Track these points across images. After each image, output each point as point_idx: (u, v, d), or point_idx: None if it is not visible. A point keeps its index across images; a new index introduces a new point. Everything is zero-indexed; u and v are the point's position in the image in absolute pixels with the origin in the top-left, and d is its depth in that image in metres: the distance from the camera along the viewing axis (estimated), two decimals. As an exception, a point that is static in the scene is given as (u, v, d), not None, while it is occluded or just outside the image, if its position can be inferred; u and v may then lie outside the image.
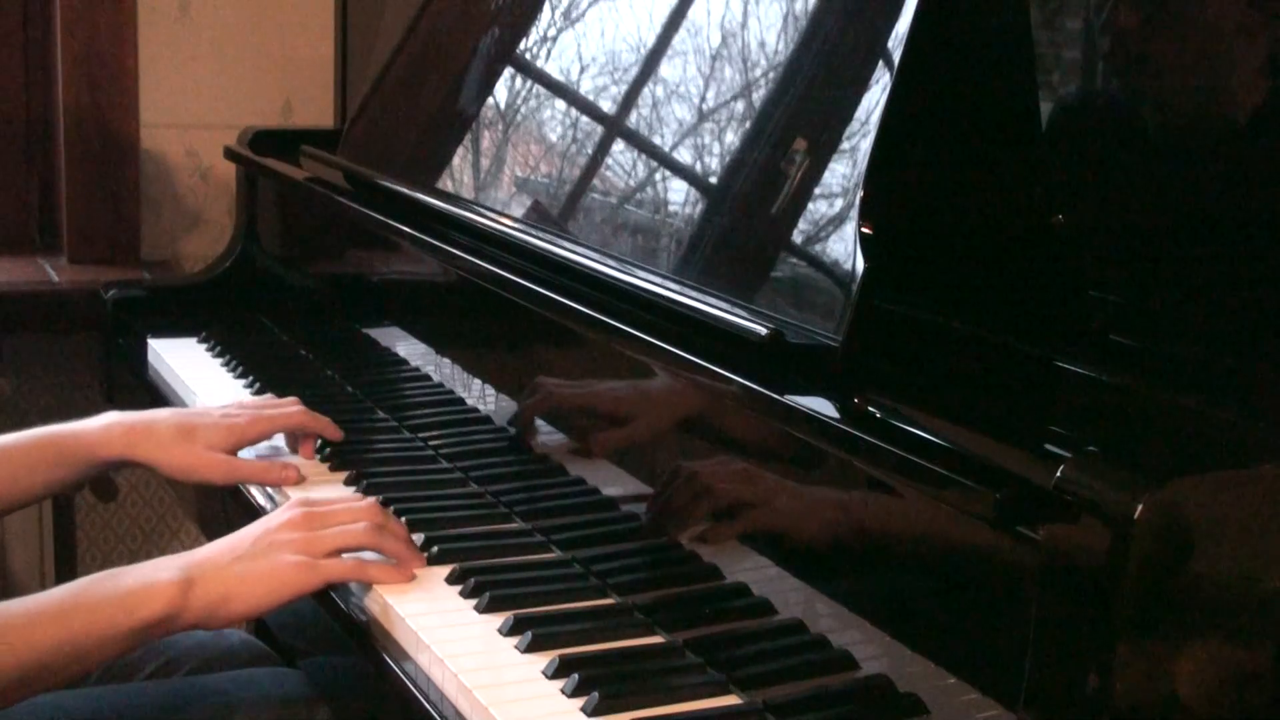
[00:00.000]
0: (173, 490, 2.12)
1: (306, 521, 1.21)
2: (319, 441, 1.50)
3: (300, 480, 1.42)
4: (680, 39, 1.33)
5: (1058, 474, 0.77)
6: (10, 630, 1.10)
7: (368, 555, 1.21)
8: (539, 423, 1.34)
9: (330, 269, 1.91)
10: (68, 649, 1.11)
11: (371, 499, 1.27)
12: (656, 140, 1.31)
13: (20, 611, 1.12)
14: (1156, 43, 1.06)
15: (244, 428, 1.44)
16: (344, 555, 1.20)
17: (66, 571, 2.34)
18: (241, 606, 1.16)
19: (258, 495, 1.42)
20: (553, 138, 1.47)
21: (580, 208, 1.37)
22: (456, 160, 1.63)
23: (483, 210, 1.47)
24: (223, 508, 1.48)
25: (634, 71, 1.37)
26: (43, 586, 1.84)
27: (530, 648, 1.09)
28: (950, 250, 1.09)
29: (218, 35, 2.35)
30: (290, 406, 1.50)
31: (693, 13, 1.33)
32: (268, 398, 1.57)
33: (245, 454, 1.47)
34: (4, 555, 2.25)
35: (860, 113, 1.07)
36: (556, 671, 1.05)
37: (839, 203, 1.06)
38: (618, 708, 1.01)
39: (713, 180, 1.22)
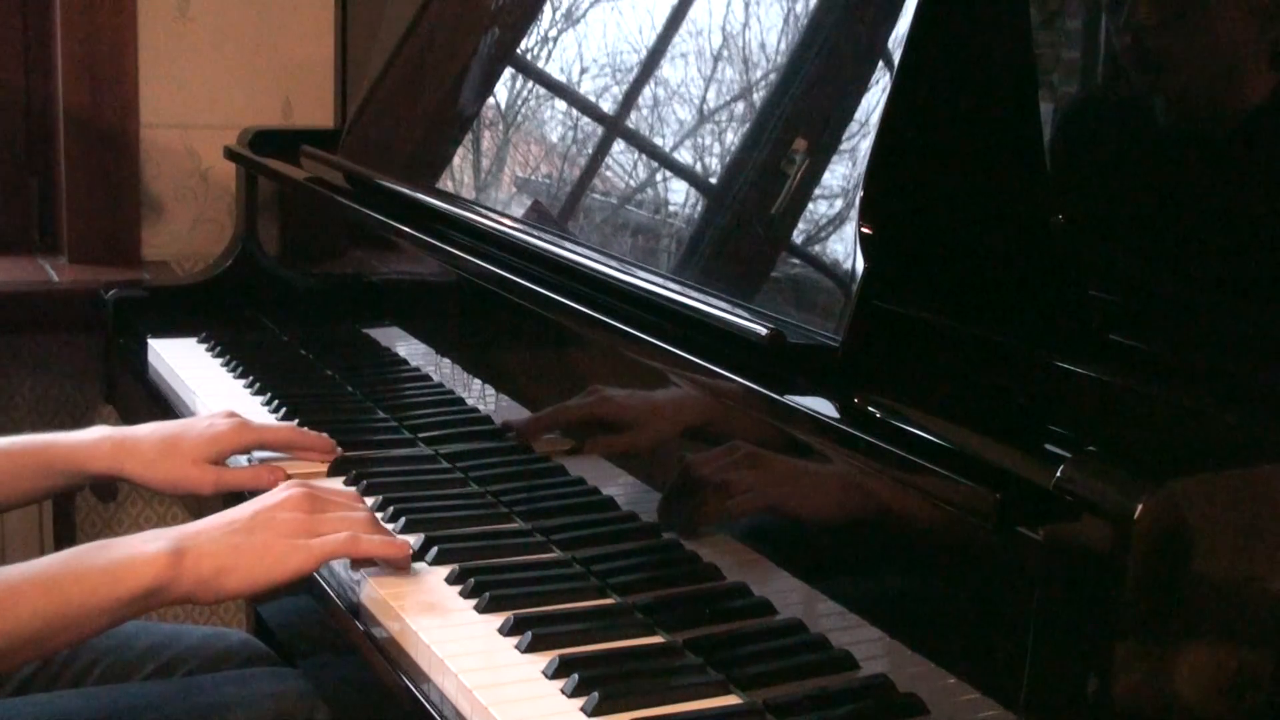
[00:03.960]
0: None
1: (307, 503, 1.19)
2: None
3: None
4: (680, 39, 1.33)
5: (1058, 474, 0.77)
6: None
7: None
8: (539, 423, 1.34)
9: (330, 269, 1.91)
10: (54, 620, 1.08)
11: (367, 512, 1.27)
12: (657, 140, 1.31)
13: (2, 580, 1.09)
14: (1167, 39, 1.05)
15: (227, 435, 1.41)
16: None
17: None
18: (236, 581, 1.14)
19: (258, 496, 1.42)
20: (553, 138, 1.47)
21: (580, 208, 1.37)
22: (456, 160, 1.63)
23: (483, 210, 1.46)
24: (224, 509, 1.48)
25: (634, 72, 1.37)
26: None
27: (530, 648, 1.09)
28: (950, 250, 1.08)
29: (218, 35, 2.35)
30: (279, 423, 1.48)
31: (693, 13, 1.33)
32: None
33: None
34: (3, 555, 2.24)
35: (860, 113, 1.07)
36: (556, 671, 1.05)
37: (839, 203, 1.06)
38: (618, 708, 1.01)
39: (713, 180, 1.22)
